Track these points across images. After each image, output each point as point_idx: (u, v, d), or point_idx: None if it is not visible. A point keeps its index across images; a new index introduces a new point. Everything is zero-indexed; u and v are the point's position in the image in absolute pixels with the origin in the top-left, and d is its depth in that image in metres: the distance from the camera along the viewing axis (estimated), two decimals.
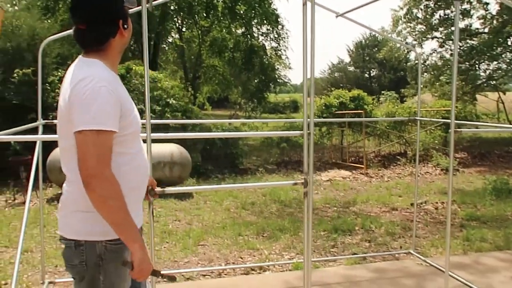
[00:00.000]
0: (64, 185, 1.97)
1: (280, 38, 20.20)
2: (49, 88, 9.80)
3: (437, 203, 7.87)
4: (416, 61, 19.21)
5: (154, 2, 3.55)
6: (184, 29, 23.79)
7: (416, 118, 4.79)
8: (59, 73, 10.41)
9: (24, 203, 7.79)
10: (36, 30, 10.53)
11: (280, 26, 19.99)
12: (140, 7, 2.33)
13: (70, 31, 4.33)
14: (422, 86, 21.60)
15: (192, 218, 6.88)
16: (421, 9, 17.17)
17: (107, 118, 1.73)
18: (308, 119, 2.51)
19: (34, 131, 3.74)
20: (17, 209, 7.50)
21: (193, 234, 5.97)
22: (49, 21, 14.09)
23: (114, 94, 1.77)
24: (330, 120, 11.88)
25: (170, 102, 10.32)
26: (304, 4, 2.53)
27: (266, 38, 20.55)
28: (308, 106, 2.50)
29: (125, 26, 1.93)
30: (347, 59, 46.51)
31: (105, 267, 1.86)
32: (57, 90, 9.97)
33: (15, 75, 9.48)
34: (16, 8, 15.37)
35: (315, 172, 11.10)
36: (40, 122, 3.80)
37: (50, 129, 4.54)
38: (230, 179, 10.04)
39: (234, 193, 8.57)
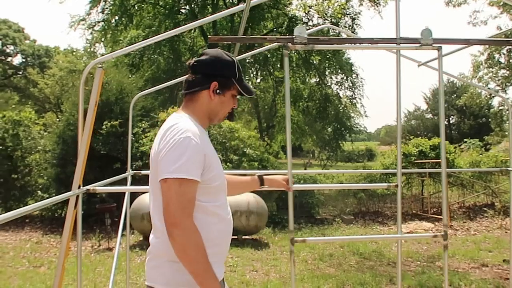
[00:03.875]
0: (152, 235, 1.99)
1: (354, 86, 20.15)
2: (133, 139, 10.31)
3: None
4: (501, 107, 18.37)
5: (238, 57, 3.68)
6: (258, 80, 24.44)
7: (508, 169, 4.48)
8: (143, 125, 10.99)
9: (109, 249, 8.12)
10: (124, 85, 11.25)
11: (354, 75, 19.99)
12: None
13: (157, 87, 4.61)
14: (506, 133, 20.48)
15: (269, 269, 6.79)
16: (504, 54, 16.54)
17: (190, 168, 1.78)
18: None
19: (121, 180, 3.92)
20: (102, 255, 7.80)
21: (271, 286, 5.87)
22: (134, 76, 15.04)
23: (198, 146, 1.83)
24: (421, 170, 11.41)
25: (247, 152, 10.48)
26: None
27: (340, 87, 20.60)
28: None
29: (218, 91, 2.02)
30: (423, 106, 45.39)
31: None
32: (140, 141, 10.50)
33: (104, 126, 10.08)
34: (105, 65, 16.63)
35: (394, 223, 10.68)
36: (129, 173, 3.98)
37: (135, 179, 4.75)
38: (306, 229, 9.88)
39: (311, 244, 8.40)
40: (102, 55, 23.53)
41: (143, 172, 4.22)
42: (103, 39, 20.14)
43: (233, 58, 2.08)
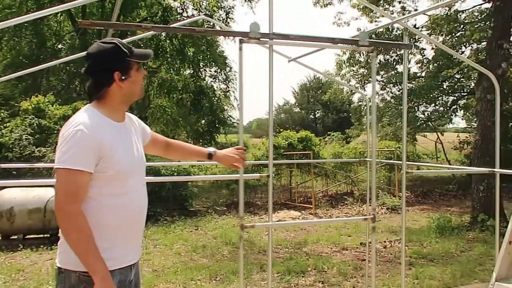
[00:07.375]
0: None
1: (228, 79, 20.46)
2: None
3: (385, 241, 8.04)
4: (360, 103, 19.99)
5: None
6: None
7: (366, 159, 4.96)
8: (2, 114, 10.04)
9: None
10: None
11: (228, 68, 20.29)
12: None
13: (18, 73, 4.25)
14: (364, 127, 22.39)
15: (142, 263, 6.64)
16: (363, 54, 17.97)
17: (78, 159, 1.89)
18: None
19: None
20: None
21: (143, 280, 5.76)
22: None
23: (90, 138, 1.92)
24: (290, 161, 11.95)
25: None
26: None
27: (214, 79, 20.77)
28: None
29: (123, 77, 2.07)
30: (292, 100, 47.67)
31: None
32: None
33: None
34: None
35: (265, 213, 11.11)
36: None
37: None
38: (180, 222, 9.85)
39: (185, 236, 8.41)
40: None
41: (3, 165, 3.87)
42: None
43: (113, 40, 2.10)
